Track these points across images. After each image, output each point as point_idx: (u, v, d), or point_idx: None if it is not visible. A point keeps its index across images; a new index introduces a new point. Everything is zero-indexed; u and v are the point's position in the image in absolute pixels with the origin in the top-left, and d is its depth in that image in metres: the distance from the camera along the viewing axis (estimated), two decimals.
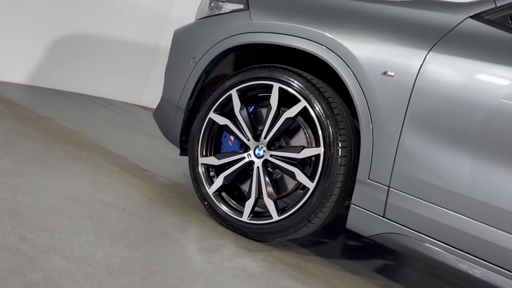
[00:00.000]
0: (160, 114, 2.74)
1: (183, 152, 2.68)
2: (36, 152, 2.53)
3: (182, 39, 2.66)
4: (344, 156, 2.11)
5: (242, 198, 2.47)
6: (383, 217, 2.04)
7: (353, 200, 2.10)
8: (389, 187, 2.02)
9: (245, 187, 2.46)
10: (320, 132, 2.15)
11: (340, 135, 2.12)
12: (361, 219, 2.09)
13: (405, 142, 1.97)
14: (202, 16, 2.63)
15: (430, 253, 1.97)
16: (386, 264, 2.64)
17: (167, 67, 2.72)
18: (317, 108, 2.16)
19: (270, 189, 2.27)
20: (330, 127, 2.13)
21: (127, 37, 5.41)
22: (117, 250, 1.74)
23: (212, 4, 2.60)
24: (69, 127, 3.36)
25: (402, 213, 2.00)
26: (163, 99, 2.70)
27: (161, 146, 3.73)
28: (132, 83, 5.62)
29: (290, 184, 2.37)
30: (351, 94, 2.08)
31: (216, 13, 2.57)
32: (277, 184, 2.36)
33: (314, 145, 2.29)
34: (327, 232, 2.83)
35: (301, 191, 2.31)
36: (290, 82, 2.24)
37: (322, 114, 2.14)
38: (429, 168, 1.95)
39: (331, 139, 2.12)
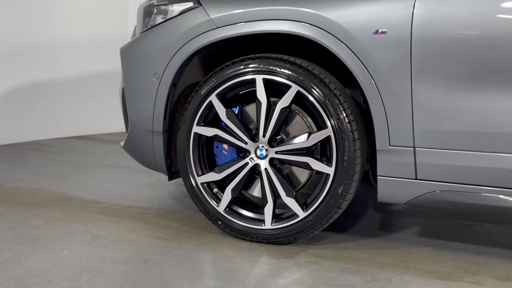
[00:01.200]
0: (133, 144, 2.44)
1: (172, 176, 2.42)
2: (14, 230, 2.20)
3: (135, 57, 2.36)
4: (355, 130, 1.97)
5: (251, 205, 2.28)
6: (416, 179, 1.93)
7: (379, 171, 1.98)
8: (414, 147, 1.90)
9: (253, 192, 2.26)
10: (323, 113, 1.99)
11: (344, 109, 1.97)
12: (393, 188, 1.98)
13: (418, 97, 1.86)
14: (147, 28, 2.35)
15: (476, 201, 1.89)
16: (416, 223, 2.56)
17: (125, 91, 2.39)
18: (313, 90, 1.98)
19: (286, 187, 2.09)
20: (331, 105, 1.97)
21: (94, 71, 5.33)
22: None
23: (155, 11, 2.32)
24: (24, 186, 3.00)
25: (435, 169, 1.90)
26: (133, 127, 2.39)
27: (124, 174, 3.43)
28: (109, 112, 5.30)
29: (302, 174, 2.19)
30: (346, 64, 1.93)
31: (161, 20, 2.30)
32: (289, 179, 2.18)
33: (316, 129, 2.12)
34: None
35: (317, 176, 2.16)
36: (273, 70, 2.05)
37: (320, 94, 1.98)
38: (450, 116, 1.85)
39: (337, 117, 1.96)
